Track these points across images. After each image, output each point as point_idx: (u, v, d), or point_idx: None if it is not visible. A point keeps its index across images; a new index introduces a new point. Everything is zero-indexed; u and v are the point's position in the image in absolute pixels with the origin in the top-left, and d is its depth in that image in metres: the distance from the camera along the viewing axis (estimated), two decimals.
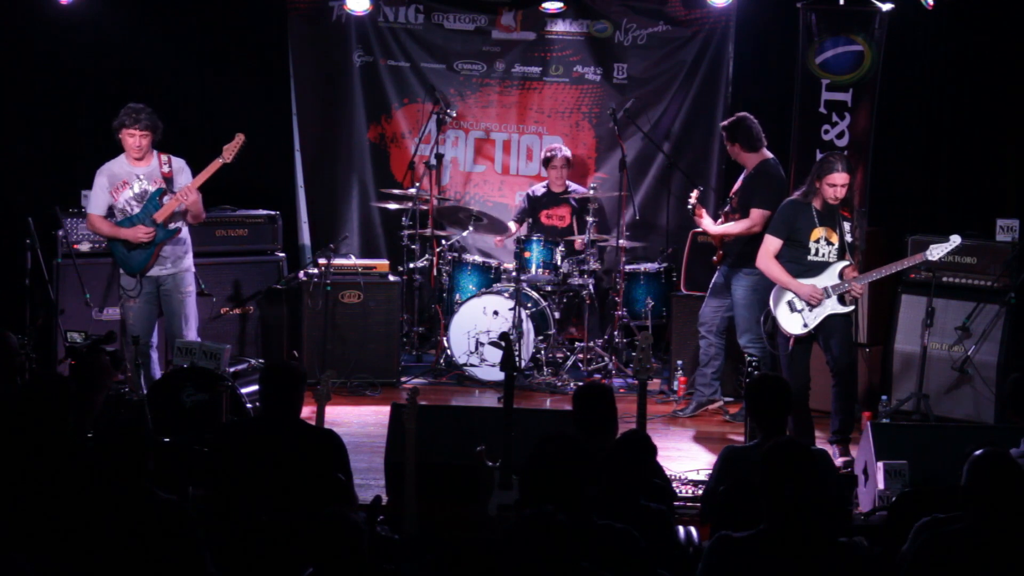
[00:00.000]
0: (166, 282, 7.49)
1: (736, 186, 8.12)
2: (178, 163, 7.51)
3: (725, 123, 8.07)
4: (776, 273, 7.17)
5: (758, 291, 7.75)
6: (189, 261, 7.60)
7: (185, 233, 7.57)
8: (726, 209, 8.16)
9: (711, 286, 8.21)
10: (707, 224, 8.09)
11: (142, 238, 7.35)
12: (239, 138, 7.41)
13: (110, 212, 7.50)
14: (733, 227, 7.92)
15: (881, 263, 7.27)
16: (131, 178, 7.43)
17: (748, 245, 7.79)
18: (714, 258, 8.20)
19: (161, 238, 7.40)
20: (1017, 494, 4.06)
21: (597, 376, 8.99)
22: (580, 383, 8.83)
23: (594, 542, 4.05)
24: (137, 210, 7.42)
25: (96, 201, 7.48)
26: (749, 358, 7.06)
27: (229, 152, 7.39)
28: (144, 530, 4.15)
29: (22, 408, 4.80)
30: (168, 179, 7.43)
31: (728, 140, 7.98)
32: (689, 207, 8.16)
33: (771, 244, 7.20)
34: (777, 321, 7.17)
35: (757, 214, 7.76)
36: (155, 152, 7.48)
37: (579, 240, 9.08)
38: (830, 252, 7.08)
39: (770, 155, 7.94)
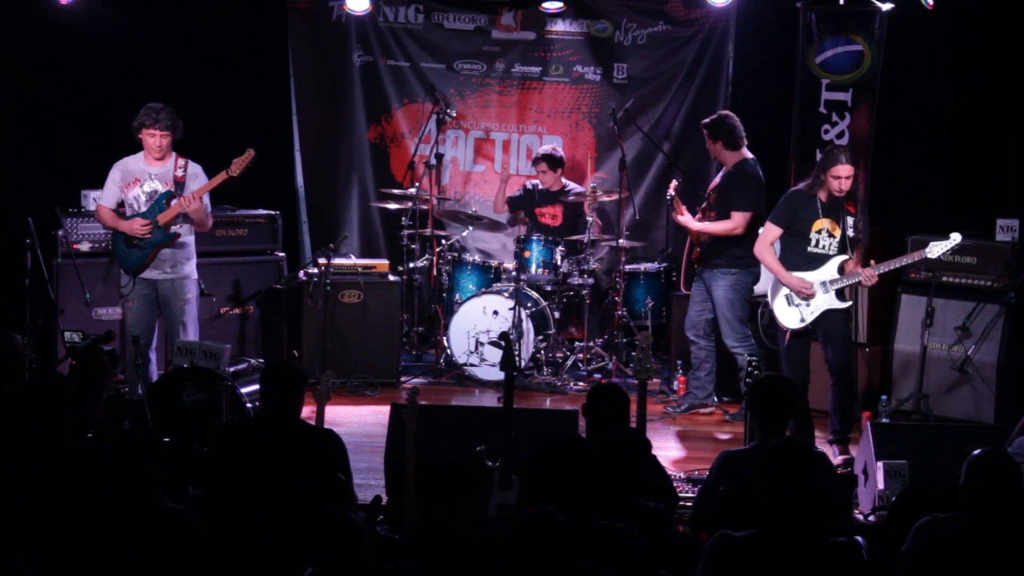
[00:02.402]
0: (164, 287, 7.48)
1: (714, 183, 8.17)
2: (193, 168, 7.51)
3: (706, 121, 8.06)
4: (769, 261, 7.18)
5: (738, 290, 7.84)
6: (190, 268, 7.57)
7: (190, 240, 7.56)
8: (703, 206, 8.21)
9: (692, 290, 8.26)
10: (686, 220, 8.14)
11: (137, 231, 7.36)
12: (249, 153, 7.40)
13: (120, 207, 7.51)
14: (714, 226, 7.96)
15: (881, 261, 7.26)
16: (144, 176, 7.45)
17: (724, 244, 7.89)
18: (692, 255, 8.29)
19: (158, 240, 7.40)
20: (1016, 493, 4.07)
21: (597, 376, 9.00)
22: (580, 383, 8.87)
23: (594, 542, 4.05)
24: (144, 208, 7.42)
25: (107, 193, 7.53)
26: (749, 358, 7.05)
27: (237, 166, 7.39)
28: (150, 537, 4.15)
29: (22, 408, 4.80)
30: (180, 183, 7.44)
31: (710, 138, 8.00)
32: (668, 198, 8.19)
33: (770, 232, 7.19)
34: (774, 314, 7.17)
35: (739, 217, 7.81)
36: (174, 154, 7.49)
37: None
38: (831, 245, 7.07)
39: (750, 155, 7.99)
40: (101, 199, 7.58)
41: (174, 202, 7.38)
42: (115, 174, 7.50)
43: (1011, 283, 7.85)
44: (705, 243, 8.04)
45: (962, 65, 8.82)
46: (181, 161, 7.48)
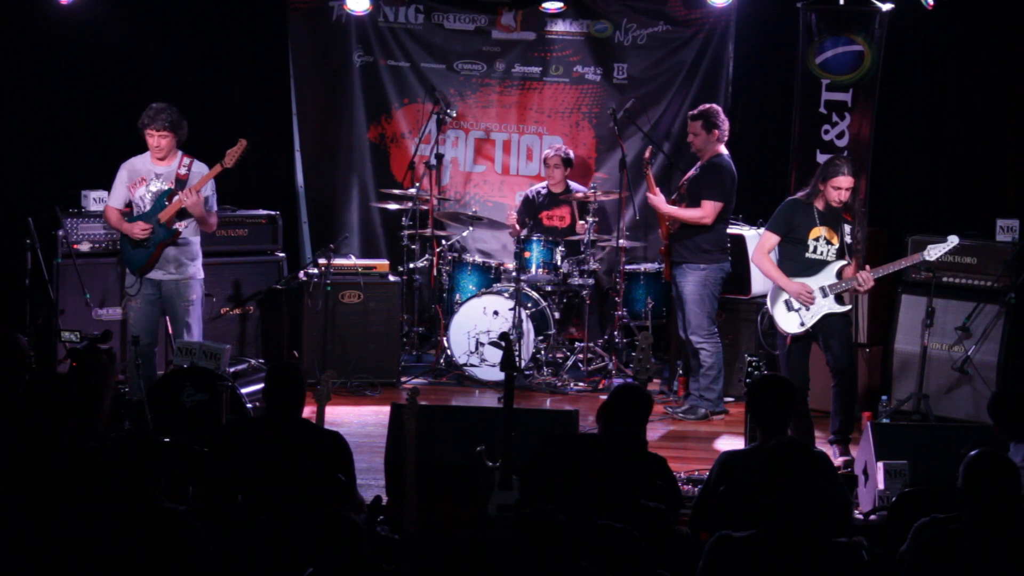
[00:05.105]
0: (167, 287, 7.45)
1: (688, 175, 8.27)
2: (198, 167, 7.49)
3: (695, 112, 8.17)
4: (767, 268, 7.20)
5: (707, 285, 7.99)
6: (195, 269, 7.54)
7: (195, 240, 7.54)
8: (673, 197, 8.26)
9: (673, 298, 8.32)
10: (658, 201, 8.22)
11: (137, 234, 7.35)
12: (241, 143, 7.39)
13: (128, 207, 7.51)
14: (684, 212, 8.10)
15: (881, 263, 7.27)
16: (150, 176, 7.45)
17: (691, 238, 8.02)
18: (661, 248, 8.43)
19: (160, 238, 7.39)
20: (1013, 493, 4.07)
21: (597, 376, 9.00)
22: (580, 383, 8.88)
23: (594, 542, 4.06)
24: (148, 208, 7.42)
25: (114, 193, 7.54)
26: (749, 359, 7.04)
27: (231, 157, 7.38)
28: (149, 538, 4.15)
29: (24, 409, 4.80)
30: (182, 181, 7.42)
31: (690, 118, 8.13)
32: (644, 159, 8.29)
33: (767, 240, 7.22)
34: (774, 319, 7.18)
35: (709, 206, 7.95)
36: (179, 153, 7.49)
37: (580, 225, 9.09)
38: (829, 251, 7.07)
39: (725, 151, 8.09)
40: (109, 199, 7.58)
41: (175, 199, 7.39)
42: (123, 174, 7.51)
43: (1011, 283, 7.85)
44: (674, 233, 8.18)
45: (962, 65, 8.83)
46: (186, 160, 7.47)
